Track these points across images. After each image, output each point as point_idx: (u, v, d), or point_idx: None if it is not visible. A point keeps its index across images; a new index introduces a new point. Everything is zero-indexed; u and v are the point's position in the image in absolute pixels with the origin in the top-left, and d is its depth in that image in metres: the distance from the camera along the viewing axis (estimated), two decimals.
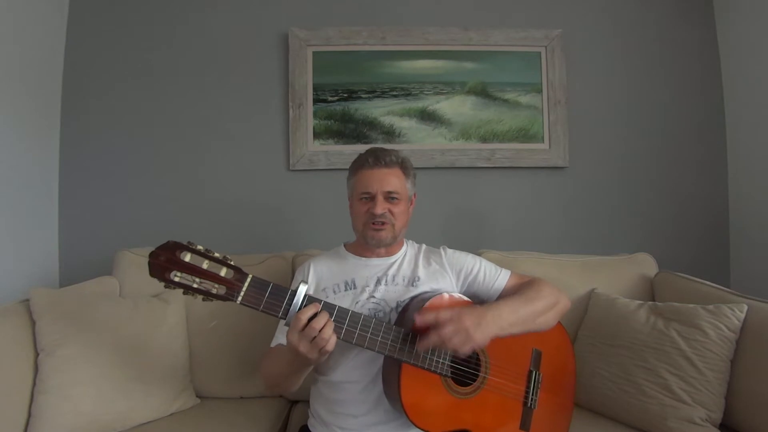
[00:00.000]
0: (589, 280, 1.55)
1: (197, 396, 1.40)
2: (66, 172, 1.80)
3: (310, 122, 1.85)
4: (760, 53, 1.75)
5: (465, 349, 0.93)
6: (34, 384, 1.15)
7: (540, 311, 1.06)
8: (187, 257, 0.84)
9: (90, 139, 1.81)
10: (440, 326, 0.91)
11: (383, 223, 1.11)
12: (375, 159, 1.14)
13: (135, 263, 1.48)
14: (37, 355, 1.18)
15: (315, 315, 0.88)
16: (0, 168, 1.51)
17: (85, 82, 1.82)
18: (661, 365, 1.21)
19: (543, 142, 1.90)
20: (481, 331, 0.93)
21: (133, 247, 1.54)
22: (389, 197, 1.12)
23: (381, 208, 1.10)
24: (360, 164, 1.16)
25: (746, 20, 1.82)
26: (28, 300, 1.24)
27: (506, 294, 1.14)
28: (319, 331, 0.86)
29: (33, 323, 1.21)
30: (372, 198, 1.12)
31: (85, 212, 1.80)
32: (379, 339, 0.94)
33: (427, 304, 1.00)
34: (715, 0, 1.96)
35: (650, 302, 1.37)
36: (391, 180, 1.13)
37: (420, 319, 0.94)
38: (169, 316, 1.38)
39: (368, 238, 1.13)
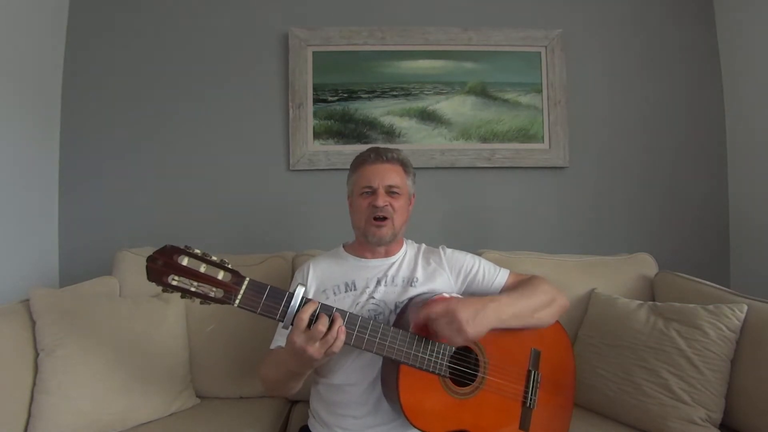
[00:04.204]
0: (589, 280, 1.54)
1: (197, 396, 1.40)
2: (66, 172, 1.80)
3: (310, 122, 1.85)
4: (760, 53, 1.75)
5: (457, 342, 0.96)
6: (34, 384, 1.15)
7: (538, 306, 1.07)
8: (185, 261, 0.84)
9: (90, 138, 1.81)
10: (433, 320, 0.94)
11: (384, 219, 1.12)
12: (377, 155, 1.16)
13: (135, 263, 1.48)
14: (37, 355, 1.18)
15: (315, 313, 0.88)
16: (0, 168, 1.51)
17: (85, 82, 1.82)
18: (661, 365, 1.21)
19: (543, 142, 1.90)
20: (475, 325, 0.94)
21: (133, 247, 1.54)
22: (390, 191, 1.13)
23: (383, 200, 1.11)
24: (362, 160, 1.17)
25: (746, 20, 1.82)
26: (28, 300, 1.24)
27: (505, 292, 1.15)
28: (327, 332, 0.87)
29: (33, 323, 1.21)
30: (374, 192, 1.12)
31: (85, 212, 1.80)
32: (377, 340, 0.94)
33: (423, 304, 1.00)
34: (715, 0, 1.96)
35: (650, 302, 1.37)
36: (392, 175, 1.14)
37: (414, 322, 0.95)
38: (169, 316, 1.38)
39: (369, 235, 1.13)
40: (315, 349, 0.87)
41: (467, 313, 0.93)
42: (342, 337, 0.89)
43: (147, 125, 1.84)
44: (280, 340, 1.08)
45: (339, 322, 0.89)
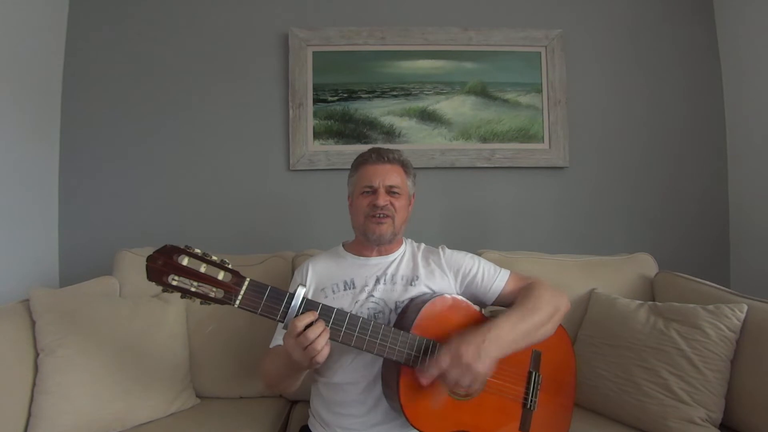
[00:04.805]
0: (589, 280, 1.54)
1: (197, 396, 1.40)
2: (66, 172, 1.80)
3: (310, 122, 1.85)
4: (760, 53, 1.75)
5: (476, 386, 0.95)
6: (34, 384, 1.15)
7: (540, 323, 1.03)
8: (185, 261, 0.84)
9: (90, 138, 1.81)
10: (445, 373, 0.91)
11: (385, 216, 1.12)
12: (378, 155, 1.16)
13: (135, 263, 1.48)
14: (37, 355, 1.18)
15: (311, 323, 0.88)
16: (0, 168, 1.51)
17: (85, 82, 1.82)
18: (661, 365, 1.21)
19: (543, 142, 1.90)
20: (482, 361, 0.90)
21: (133, 247, 1.54)
22: (391, 191, 1.14)
23: (383, 200, 1.11)
24: (363, 160, 1.18)
25: (746, 20, 1.82)
26: (28, 300, 1.24)
27: (505, 295, 1.14)
28: (314, 340, 0.86)
29: (33, 323, 1.21)
30: (374, 191, 1.13)
31: (85, 212, 1.80)
32: (378, 341, 0.94)
33: (424, 309, 0.99)
34: (715, 0, 1.96)
35: (650, 302, 1.37)
36: (392, 175, 1.15)
37: (425, 381, 0.92)
38: (169, 316, 1.38)
39: (369, 233, 1.13)
40: (300, 355, 0.87)
41: (470, 352, 0.90)
42: (325, 351, 0.88)
43: (147, 125, 1.84)
44: (279, 338, 1.08)
45: (320, 330, 0.87)
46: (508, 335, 0.97)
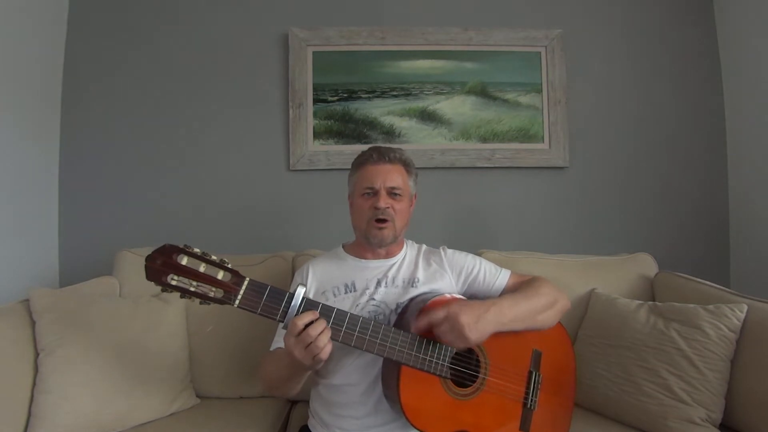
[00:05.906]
0: (589, 280, 1.54)
1: (197, 396, 1.40)
2: (66, 172, 1.80)
3: (310, 122, 1.85)
4: (760, 53, 1.75)
5: (459, 346, 0.95)
6: (34, 384, 1.15)
7: (540, 308, 1.06)
8: (184, 260, 0.84)
9: (90, 139, 1.81)
10: (435, 325, 0.93)
11: (385, 221, 1.11)
12: (379, 155, 1.14)
13: (135, 263, 1.48)
14: (37, 355, 1.18)
15: (312, 322, 0.87)
16: (0, 168, 1.51)
17: (85, 82, 1.82)
18: (661, 365, 1.21)
19: (543, 142, 1.90)
20: (477, 329, 0.93)
21: (133, 247, 1.54)
22: (392, 193, 1.12)
23: (384, 202, 1.10)
24: (363, 160, 1.16)
25: (746, 20, 1.82)
26: (28, 300, 1.24)
27: (507, 293, 1.14)
28: (316, 338, 0.86)
29: (33, 323, 1.21)
30: (375, 193, 1.12)
31: (85, 212, 1.80)
32: (378, 341, 0.94)
33: (424, 308, 0.99)
34: (715, 1, 1.96)
35: (650, 302, 1.37)
36: (394, 176, 1.13)
37: (416, 327, 0.95)
38: (169, 317, 1.38)
39: (370, 237, 1.13)
40: (302, 354, 0.87)
41: (469, 317, 0.92)
42: (328, 348, 0.87)
43: (147, 125, 1.84)
44: (279, 341, 1.08)
45: (322, 328, 0.87)
46: (508, 313, 1.00)
